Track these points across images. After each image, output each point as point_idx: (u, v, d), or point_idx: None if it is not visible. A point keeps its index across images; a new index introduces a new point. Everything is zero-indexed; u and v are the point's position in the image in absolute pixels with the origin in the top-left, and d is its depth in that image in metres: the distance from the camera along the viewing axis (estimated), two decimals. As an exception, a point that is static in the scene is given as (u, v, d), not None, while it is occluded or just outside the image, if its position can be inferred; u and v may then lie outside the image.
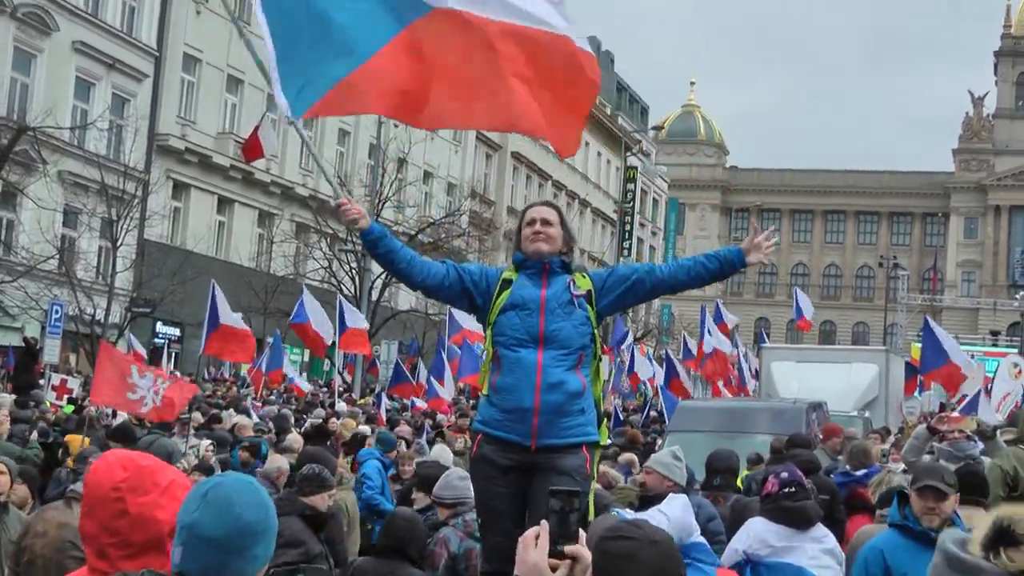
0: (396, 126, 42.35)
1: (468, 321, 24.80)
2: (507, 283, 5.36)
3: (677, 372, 25.79)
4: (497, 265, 5.60)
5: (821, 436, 13.03)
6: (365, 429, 15.31)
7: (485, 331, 5.43)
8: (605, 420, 5.50)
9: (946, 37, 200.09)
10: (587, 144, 71.33)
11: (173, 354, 37.81)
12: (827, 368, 24.45)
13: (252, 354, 21.19)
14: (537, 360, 5.18)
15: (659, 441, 16.41)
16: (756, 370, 27.91)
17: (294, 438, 12.96)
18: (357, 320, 24.66)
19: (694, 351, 28.41)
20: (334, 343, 23.87)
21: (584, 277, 5.42)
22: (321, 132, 46.52)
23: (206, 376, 34.76)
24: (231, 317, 19.05)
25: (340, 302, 24.71)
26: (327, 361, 42.38)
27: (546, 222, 5.41)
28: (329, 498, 7.71)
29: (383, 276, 38.52)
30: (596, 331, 5.35)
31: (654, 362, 30.02)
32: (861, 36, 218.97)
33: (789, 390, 22.20)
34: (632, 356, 28.78)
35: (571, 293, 5.29)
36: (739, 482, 10.17)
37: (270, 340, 26.91)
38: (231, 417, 17.33)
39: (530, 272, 5.36)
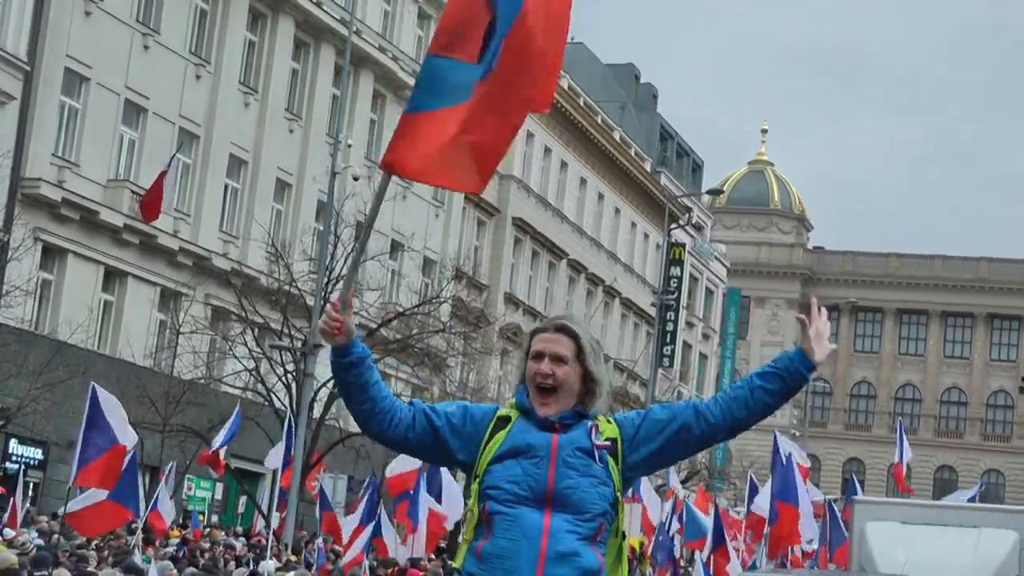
0: (356, 179, 42.49)
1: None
2: (503, 421, 5.34)
3: (724, 537, 25.86)
4: (489, 398, 5.51)
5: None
6: None
7: (470, 486, 5.36)
8: None
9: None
10: (617, 211, 71.69)
11: (31, 484, 37.54)
12: (946, 533, 24.36)
13: (113, 480, 20.51)
14: (543, 522, 5.17)
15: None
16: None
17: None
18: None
19: (765, 505, 28.20)
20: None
21: (609, 422, 5.41)
22: (252, 182, 46.64)
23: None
24: (128, 433, 18.92)
25: (289, 421, 24.79)
26: (246, 498, 42.15)
27: (557, 358, 5.34)
28: None
29: (330, 384, 38.45)
30: (619, 495, 5.33)
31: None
32: (990, 74, 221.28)
33: (892, 562, 22.13)
34: (687, 513, 28.65)
35: (591, 441, 5.28)
36: None
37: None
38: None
39: (534, 420, 5.35)
